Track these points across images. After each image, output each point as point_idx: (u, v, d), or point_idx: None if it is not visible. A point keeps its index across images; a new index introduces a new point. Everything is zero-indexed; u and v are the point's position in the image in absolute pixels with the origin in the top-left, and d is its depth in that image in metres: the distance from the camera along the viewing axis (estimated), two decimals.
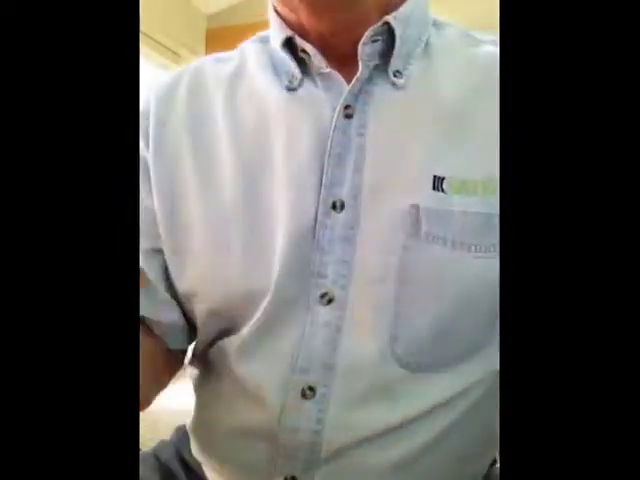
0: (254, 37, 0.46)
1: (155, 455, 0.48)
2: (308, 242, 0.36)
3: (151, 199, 0.40)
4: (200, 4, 2.31)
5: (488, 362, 0.37)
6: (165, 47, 2.07)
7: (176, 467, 0.47)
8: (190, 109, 0.42)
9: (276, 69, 0.41)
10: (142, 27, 1.90)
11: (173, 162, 0.40)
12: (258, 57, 0.43)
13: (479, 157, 0.37)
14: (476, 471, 0.44)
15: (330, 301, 0.36)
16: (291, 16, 0.40)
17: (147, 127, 0.41)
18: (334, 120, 0.38)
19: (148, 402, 0.42)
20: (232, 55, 0.46)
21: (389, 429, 0.36)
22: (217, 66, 0.44)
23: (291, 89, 0.40)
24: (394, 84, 0.39)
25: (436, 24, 0.44)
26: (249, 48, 0.45)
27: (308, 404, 0.36)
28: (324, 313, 0.36)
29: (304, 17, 0.39)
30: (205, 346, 0.42)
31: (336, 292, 0.36)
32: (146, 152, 0.41)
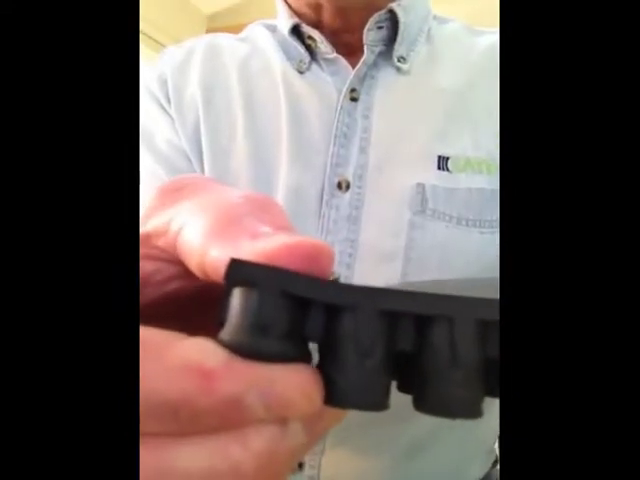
0: (258, 23, 0.47)
1: None
2: (312, 222, 0.37)
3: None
4: (200, 4, 2.31)
5: None
6: (165, 47, 2.07)
7: None
8: (205, 74, 0.43)
9: (286, 53, 0.42)
10: (142, 27, 1.90)
11: (193, 124, 0.41)
12: (268, 41, 0.44)
13: (483, 137, 0.38)
14: (482, 464, 0.44)
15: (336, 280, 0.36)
16: (306, 10, 0.41)
17: (167, 94, 0.42)
18: (340, 102, 0.38)
19: None
20: (243, 36, 0.47)
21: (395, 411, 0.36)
22: (232, 42, 0.46)
23: (300, 72, 0.41)
24: (398, 69, 0.40)
25: (437, 18, 0.46)
26: (258, 31, 0.46)
27: None
28: None
29: (327, 17, 0.40)
30: None
31: (342, 271, 0.36)
32: (172, 114, 0.42)
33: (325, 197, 0.37)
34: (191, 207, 0.14)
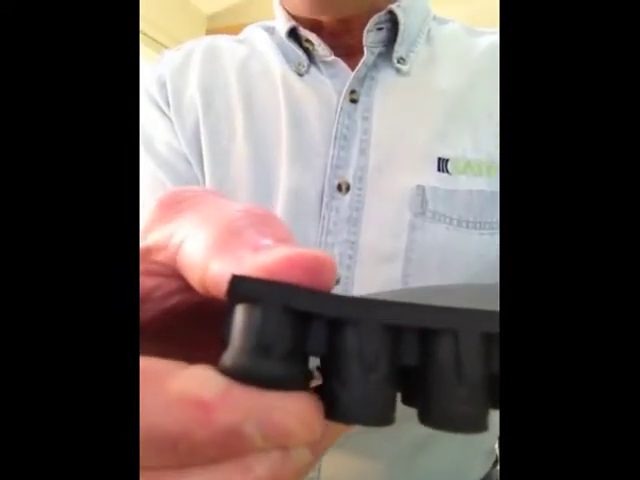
0: (256, 25, 0.47)
1: None
2: (313, 224, 0.37)
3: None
4: (200, 4, 2.31)
5: None
6: (165, 47, 2.07)
7: None
8: (204, 76, 0.43)
9: (285, 55, 0.42)
10: (142, 27, 1.90)
11: (193, 127, 0.41)
12: (267, 43, 0.44)
13: (483, 138, 0.38)
14: (482, 464, 0.44)
15: (336, 282, 0.36)
16: (296, 9, 0.41)
17: (167, 96, 0.42)
18: (340, 103, 0.38)
19: None
20: (242, 38, 0.47)
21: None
22: (231, 44, 0.45)
23: (299, 74, 0.41)
24: (398, 70, 0.40)
25: (437, 19, 0.45)
26: (256, 33, 0.46)
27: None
28: None
29: (326, 20, 0.40)
30: None
31: (342, 273, 0.36)
32: (171, 117, 0.42)
33: (325, 199, 0.37)
34: (191, 221, 0.14)
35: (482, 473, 0.44)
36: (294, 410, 0.11)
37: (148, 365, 0.11)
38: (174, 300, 0.15)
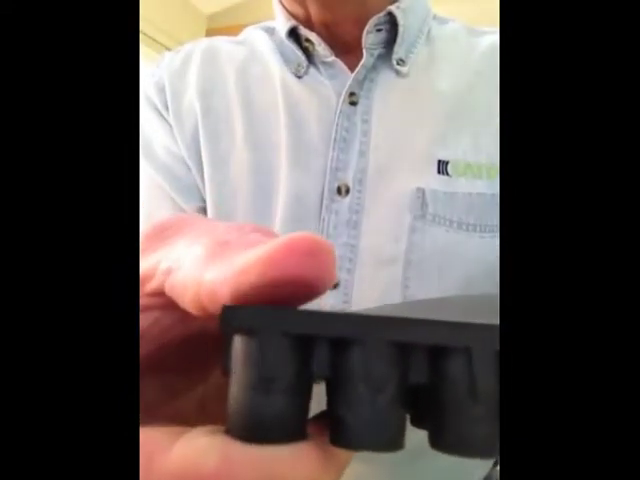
0: (256, 25, 0.47)
1: None
2: (312, 226, 0.37)
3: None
4: (200, 4, 2.30)
5: None
6: (165, 47, 2.07)
7: None
8: (203, 79, 0.43)
9: (284, 57, 0.42)
10: (142, 27, 1.90)
11: (192, 131, 0.41)
12: (266, 44, 0.43)
13: (483, 140, 0.38)
14: (483, 466, 0.44)
15: (336, 285, 0.36)
16: (296, 7, 0.40)
17: (165, 101, 0.42)
18: (339, 106, 0.38)
19: None
20: (241, 39, 0.46)
21: None
22: (230, 46, 0.45)
23: (298, 76, 0.41)
24: (398, 72, 0.40)
25: (437, 18, 0.45)
26: (256, 35, 0.46)
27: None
28: (330, 297, 0.36)
29: (314, 10, 0.39)
30: None
31: (342, 276, 0.36)
32: (170, 121, 0.42)
33: (325, 202, 0.37)
34: (181, 244, 0.13)
35: (482, 474, 0.44)
36: (299, 468, 0.10)
37: (141, 440, 0.10)
38: (172, 334, 0.15)
